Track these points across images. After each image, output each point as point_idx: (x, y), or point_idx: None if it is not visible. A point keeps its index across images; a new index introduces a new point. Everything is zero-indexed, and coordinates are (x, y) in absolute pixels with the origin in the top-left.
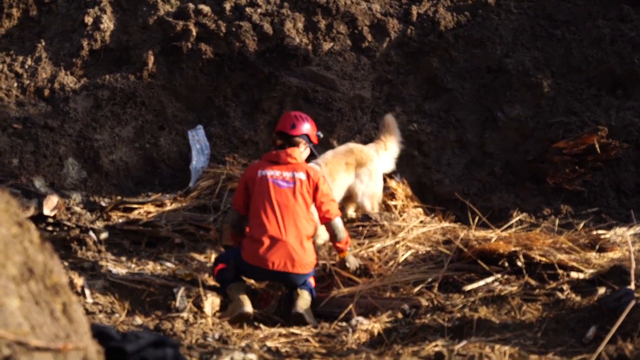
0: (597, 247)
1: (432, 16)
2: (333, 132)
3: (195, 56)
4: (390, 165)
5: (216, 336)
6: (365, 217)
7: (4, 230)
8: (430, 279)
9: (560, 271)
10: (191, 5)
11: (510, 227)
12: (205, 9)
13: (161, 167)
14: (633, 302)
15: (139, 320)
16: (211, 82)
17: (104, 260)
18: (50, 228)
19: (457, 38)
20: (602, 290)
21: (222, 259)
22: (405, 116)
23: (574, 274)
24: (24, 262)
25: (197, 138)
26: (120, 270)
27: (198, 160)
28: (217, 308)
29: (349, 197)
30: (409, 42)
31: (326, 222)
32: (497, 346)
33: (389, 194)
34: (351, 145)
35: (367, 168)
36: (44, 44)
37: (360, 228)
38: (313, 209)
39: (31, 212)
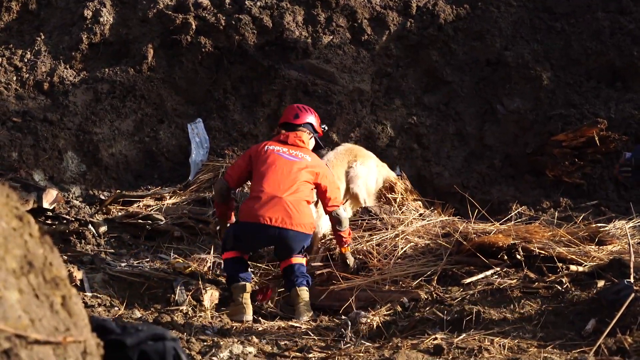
0: (597, 240)
1: (431, 9)
2: (332, 125)
3: (195, 49)
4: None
5: (215, 329)
6: (365, 210)
7: (3, 223)
8: (429, 272)
9: (559, 264)
10: None
11: (509, 220)
12: (205, 2)
13: (160, 160)
14: (632, 295)
15: (138, 313)
16: (210, 76)
17: (103, 254)
18: (49, 221)
19: (457, 31)
20: (601, 283)
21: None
22: (404, 109)
23: (573, 267)
24: (23, 255)
25: (197, 131)
26: (119, 263)
27: (197, 153)
28: (216, 301)
29: (346, 189)
30: (408, 35)
31: (331, 210)
32: (496, 339)
33: (388, 187)
34: (350, 145)
35: (365, 163)
36: (43, 37)
37: (360, 221)
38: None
39: (30, 205)
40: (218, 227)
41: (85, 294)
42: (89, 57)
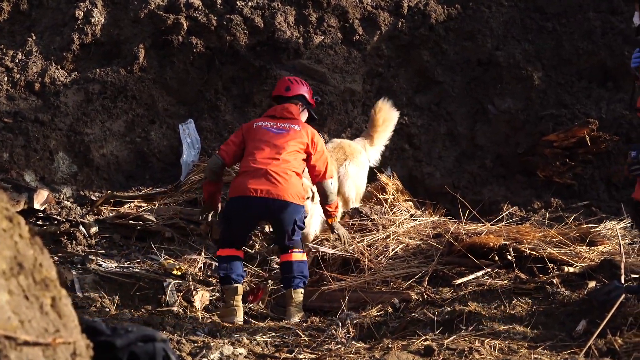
0: (587, 240)
1: (422, 9)
2: (324, 125)
3: (186, 50)
4: (376, 159)
5: (206, 330)
6: (356, 211)
7: None
8: (420, 273)
9: (550, 265)
10: None
11: (500, 220)
12: (196, 2)
13: (152, 161)
14: (623, 296)
15: (128, 314)
16: (202, 76)
17: (94, 255)
18: (40, 222)
19: (448, 31)
20: (592, 284)
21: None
22: (396, 109)
23: (564, 268)
24: (13, 256)
25: (188, 132)
26: (110, 264)
27: (189, 154)
28: (207, 302)
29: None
30: (399, 35)
31: (318, 181)
32: (486, 340)
33: (379, 187)
34: (339, 140)
35: (354, 161)
36: (34, 37)
37: (351, 222)
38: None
39: (21, 206)
40: (204, 215)
41: (76, 294)
42: (80, 57)
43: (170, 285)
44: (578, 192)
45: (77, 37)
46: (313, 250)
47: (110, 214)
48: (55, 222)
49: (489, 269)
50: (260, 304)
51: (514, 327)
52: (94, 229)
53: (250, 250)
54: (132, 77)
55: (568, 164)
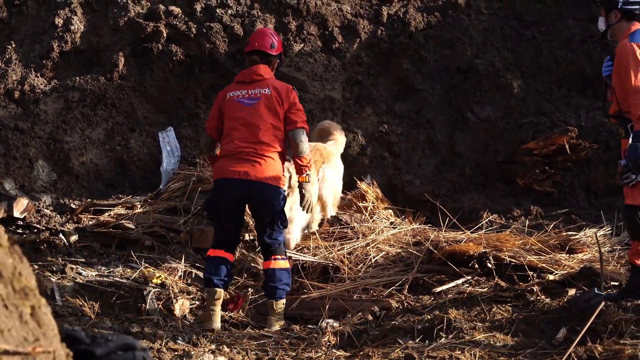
0: (567, 248)
1: (402, 17)
2: None
3: (166, 57)
4: None
5: (186, 339)
6: (336, 219)
7: None
8: (400, 281)
9: (530, 272)
10: (162, 7)
11: (480, 228)
12: (176, 10)
13: (132, 169)
14: (602, 304)
15: (108, 323)
16: (182, 84)
17: (73, 263)
18: (20, 231)
19: (428, 39)
20: (572, 292)
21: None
22: (375, 117)
23: (544, 276)
24: None
25: (168, 140)
26: (90, 272)
27: (168, 162)
28: (187, 310)
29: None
30: (379, 43)
31: (290, 130)
32: (467, 348)
33: (359, 195)
34: (313, 144)
35: (330, 165)
36: (14, 45)
37: (331, 230)
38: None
39: (1, 214)
40: None
41: (56, 303)
42: (60, 65)
43: (151, 294)
44: (558, 200)
45: (56, 44)
46: (294, 258)
47: (90, 222)
48: (35, 230)
49: (469, 277)
50: (240, 312)
51: (494, 335)
52: (73, 238)
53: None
54: (111, 85)
55: (547, 171)
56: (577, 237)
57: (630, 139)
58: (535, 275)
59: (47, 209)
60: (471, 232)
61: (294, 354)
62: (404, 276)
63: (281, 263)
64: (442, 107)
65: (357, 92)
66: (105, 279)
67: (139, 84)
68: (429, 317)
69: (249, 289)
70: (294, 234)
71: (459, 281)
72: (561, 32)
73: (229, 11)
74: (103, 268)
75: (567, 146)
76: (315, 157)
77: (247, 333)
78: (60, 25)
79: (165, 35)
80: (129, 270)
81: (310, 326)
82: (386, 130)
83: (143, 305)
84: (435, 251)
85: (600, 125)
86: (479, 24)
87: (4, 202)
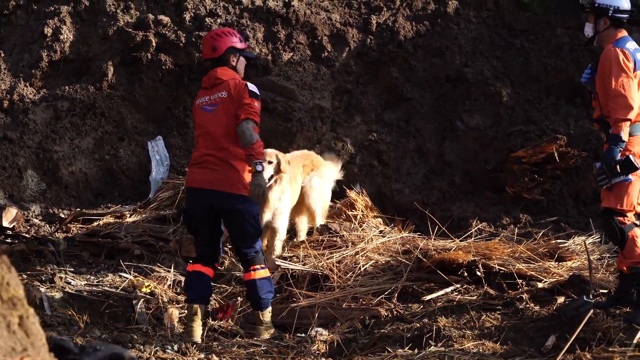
0: (556, 256)
1: (391, 26)
2: (293, 142)
3: (155, 67)
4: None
5: (175, 348)
6: (325, 228)
7: None
8: (389, 289)
9: (519, 280)
10: (151, 16)
11: (469, 236)
12: (165, 19)
13: (121, 178)
14: (591, 312)
15: (98, 332)
16: (171, 93)
17: (63, 272)
18: (9, 240)
19: (417, 47)
20: (561, 300)
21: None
22: (364, 126)
23: (533, 283)
24: None
25: (157, 149)
26: (79, 282)
27: (157, 171)
28: (177, 320)
29: (300, 200)
30: (368, 52)
31: (237, 125)
32: (456, 356)
33: (348, 204)
34: (309, 152)
35: (319, 173)
36: (3, 55)
37: (320, 239)
38: None
39: None
40: None
41: (45, 312)
42: (49, 74)
43: (140, 303)
44: (547, 208)
45: (45, 54)
46: (283, 266)
47: (79, 232)
48: (24, 240)
49: (458, 285)
50: (229, 321)
51: (484, 342)
52: (62, 247)
53: (220, 268)
54: (100, 94)
55: (537, 179)
56: (566, 245)
57: (607, 142)
58: (524, 283)
59: (36, 219)
60: (460, 241)
61: None
62: (393, 284)
63: (261, 272)
64: (431, 115)
65: (346, 100)
66: (94, 288)
67: (128, 93)
68: (418, 325)
69: (238, 298)
70: (281, 232)
71: (448, 289)
72: (550, 41)
73: (218, 20)
74: (92, 277)
75: (556, 154)
76: (306, 161)
77: (237, 342)
78: (49, 34)
79: (154, 44)
80: (118, 279)
81: (299, 335)
82: (375, 138)
83: (132, 314)
84: (424, 259)
85: (589, 133)
86: (468, 33)
87: None
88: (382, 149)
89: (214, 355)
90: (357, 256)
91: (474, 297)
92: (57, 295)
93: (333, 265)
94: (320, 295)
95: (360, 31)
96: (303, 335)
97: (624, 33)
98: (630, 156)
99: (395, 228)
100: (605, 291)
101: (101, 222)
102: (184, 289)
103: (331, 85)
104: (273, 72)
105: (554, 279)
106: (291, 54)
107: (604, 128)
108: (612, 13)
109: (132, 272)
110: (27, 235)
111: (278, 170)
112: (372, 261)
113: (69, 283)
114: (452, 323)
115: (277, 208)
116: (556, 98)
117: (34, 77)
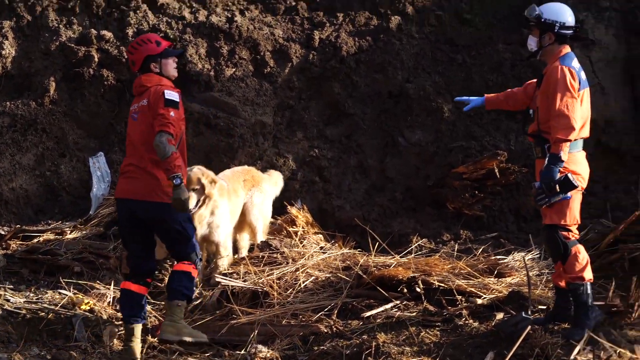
0: (496, 272)
1: (334, 41)
2: (234, 158)
3: (97, 82)
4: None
5: None
6: (266, 244)
7: None
8: (329, 306)
9: (458, 297)
10: (93, 31)
11: (409, 252)
12: (108, 34)
13: (62, 194)
14: (529, 328)
15: (36, 350)
16: (113, 108)
17: (1, 289)
18: None
19: (359, 63)
20: (500, 316)
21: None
22: (306, 142)
23: (472, 300)
24: None
25: (98, 165)
26: (18, 299)
27: (99, 187)
28: (116, 337)
29: (242, 217)
30: (310, 67)
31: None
32: None
33: (289, 220)
34: (249, 167)
35: (260, 188)
36: None
37: (261, 255)
38: None
39: None
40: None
41: None
42: None
43: (79, 321)
44: (487, 224)
45: None
46: (223, 283)
47: (19, 249)
48: None
49: (398, 301)
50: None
51: (422, 359)
52: (2, 264)
53: (160, 285)
54: (42, 110)
55: (477, 195)
56: (505, 261)
57: (546, 161)
58: (463, 299)
59: None
60: (400, 257)
61: None
62: (333, 301)
63: (185, 267)
64: (373, 131)
65: (288, 116)
66: (33, 305)
67: (70, 109)
68: (358, 341)
69: None
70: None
71: (388, 306)
72: (491, 57)
73: (161, 35)
74: (31, 294)
75: (496, 170)
76: (246, 176)
77: (176, 359)
78: None
79: (96, 59)
80: (57, 296)
81: (239, 352)
82: (317, 154)
83: (71, 332)
84: (364, 276)
85: (529, 149)
86: (410, 48)
87: None
88: (324, 165)
89: None
90: (298, 272)
91: (414, 314)
92: None
93: (273, 282)
94: (260, 312)
95: (303, 47)
96: (242, 352)
97: (567, 49)
98: (569, 175)
99: (336, 244)
100: (544, 307)
101: (41, 239)
102: (120, 310)
103: (273, 101)
104: (215, 87)
105: (493, 295)
106: (234, 69)
107: (539, 143)
108: (558, 29)
109: (71, 289)
110: None
111: (203, 192)
112: (313, 277)
113: (7, 300)
114: (391, 339)
115: (212, 222)
116: (497, 114)
117: None
